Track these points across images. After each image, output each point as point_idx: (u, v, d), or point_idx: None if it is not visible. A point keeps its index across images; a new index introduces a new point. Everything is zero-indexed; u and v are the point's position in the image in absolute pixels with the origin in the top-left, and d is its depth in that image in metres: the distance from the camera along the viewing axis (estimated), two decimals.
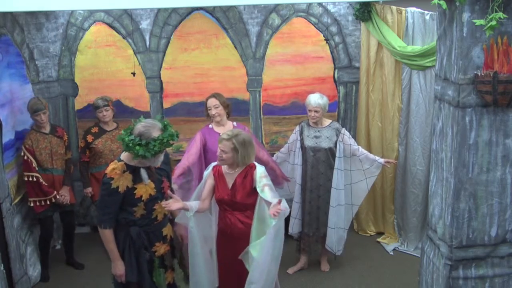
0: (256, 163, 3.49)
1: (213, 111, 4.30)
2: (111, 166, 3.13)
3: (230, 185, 3.43)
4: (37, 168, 4.41)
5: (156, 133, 3.07)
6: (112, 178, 3.07)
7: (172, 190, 3.45)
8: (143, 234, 3.23)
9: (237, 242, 3.42)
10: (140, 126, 3.09)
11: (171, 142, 3.12)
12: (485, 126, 2.94)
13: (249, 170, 3.43)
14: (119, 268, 3.20)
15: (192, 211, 3.34)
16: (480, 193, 3.03)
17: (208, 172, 3.56)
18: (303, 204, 4.52)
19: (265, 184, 3.33)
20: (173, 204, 3.22)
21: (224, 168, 3.48)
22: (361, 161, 4.45)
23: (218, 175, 3.49)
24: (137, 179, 3.14)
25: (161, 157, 3.21)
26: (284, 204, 3.13)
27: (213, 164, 3.58)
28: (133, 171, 3.13)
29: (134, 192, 3.13)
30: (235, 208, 3.43)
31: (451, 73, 2.99)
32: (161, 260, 3.35)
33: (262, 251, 3.21)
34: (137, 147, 3.01)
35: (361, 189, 4.55)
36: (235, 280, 3.49)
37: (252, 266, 3.26)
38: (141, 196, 3.15)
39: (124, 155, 3.17)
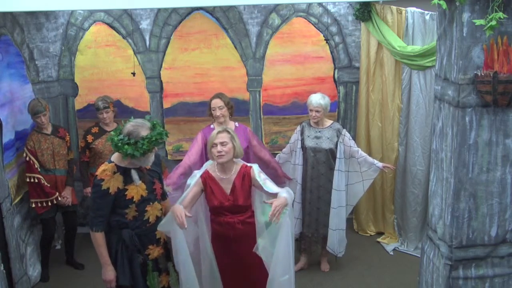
0: (246, 163, 3.51)
1: (217, 112, 4.29)
2: (102, 167, 3.12)
3: (228, 191, 3.38)
4: (39, 169, 4.41)
5: (144, 132, 3.06)
6: (103, 180, 3.06)
7: (164, 192, 3.44)
8: (136, 237, 3.20)
9: (238, 244, 3.40)
10: (129, 125, 3.09)
11: (159, 141, 3.11)
12: (485, 126, 2.94)
13: (246, 171, 3.41)
14: (109, 273, 3.17)
15: None
16: (480, 193, 3.03)
17: (195, 180, 3.44)
18: (304, 204, 4.52)
19: (265, 178, 3.39)
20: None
21: (217, 174, 3.42)
22: (360, 164, 4.44)
23: (211, 182, 3.40)
24: (128, 180, 3.13)
25: (151, 157, 3.19)
26: (288, 190, 3.23)
27: (199, 172, 3.50)
28: (124, 172, 3.12)
29: (125, 193, 3.12)
30: (236, 212, 3.39)
31: (451, 73, 2.99)
32: (155, 263, 3.33)
33: (281, 242, 3.21)
34: (126, 146, 3.01)
35: (357, 191, 4.55)
36: (240, 282, 3.47)
37: (275, 259, 3.24)
38: (133, 197, 3.14)
39: (115, 156, 3.16)
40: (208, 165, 3.52)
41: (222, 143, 3.33)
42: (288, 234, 3.24)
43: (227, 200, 3.37)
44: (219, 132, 3.39)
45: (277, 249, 3.24)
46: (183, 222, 3.09)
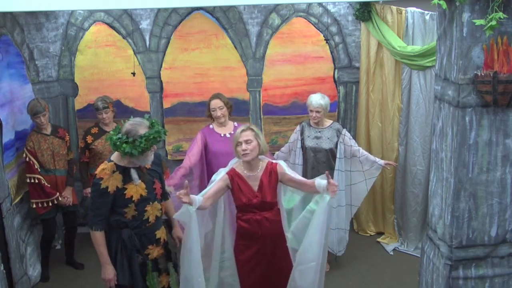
0: (271, 160, 3.53)
1: (218, 113, 4.29)
2: (101, 166, 3.13)
3: (255, 188, 3.38)
4: (39, 170, 4.41)
5: (142, 131, 3.07)
6: (102, 178, 3.07)
7: (164, 192, 3.43)
8: (135, 237, 3.20)
9: (264, 242, 3.39)
10: (128, 124, 3.10)
11: (158, 139, 3.11)
12: (485, 126, 2.94)
13: (272, 168, 3.42)
14: (108, 272, 3.17)
15: (196, 205, 3.18)
16: (480, 193, 3.03)
17: (221, 175, 3.43)
18: None
19: (293, 171, 3.49)
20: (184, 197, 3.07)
21: (244, 171, 3.40)
22: (361, 162, 4.45)
23: (238, 180, 3.39)
24: (127, 179, 3.13)
25: (151, 156, 3.19)
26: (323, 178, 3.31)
27: (224, 169, 3.49)
28: (123, 171, 3.12)
29: (124, 192, 3.12)
30: (264, 209, 3.39)
31: (451, 73, 2.99)
32: (155, 264, 3.33)
33: (315, 229, 3.21)
34: (124, 145, 3.02)
35: (361, 190, 4.55)
36: (261, 280, 3.45)
37: (304, 246, 3.24)
38: (132, 197, 3.14)
39: (115, 156, 3.17)
40: (233, 163, 3.51)
41: (246, 141, 3.33)
42: (323, 221, 3.22)
43: (255, 197, 3.37)
44: (243, 131, 3.38)
45: (308, 234, 3.24)
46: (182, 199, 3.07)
